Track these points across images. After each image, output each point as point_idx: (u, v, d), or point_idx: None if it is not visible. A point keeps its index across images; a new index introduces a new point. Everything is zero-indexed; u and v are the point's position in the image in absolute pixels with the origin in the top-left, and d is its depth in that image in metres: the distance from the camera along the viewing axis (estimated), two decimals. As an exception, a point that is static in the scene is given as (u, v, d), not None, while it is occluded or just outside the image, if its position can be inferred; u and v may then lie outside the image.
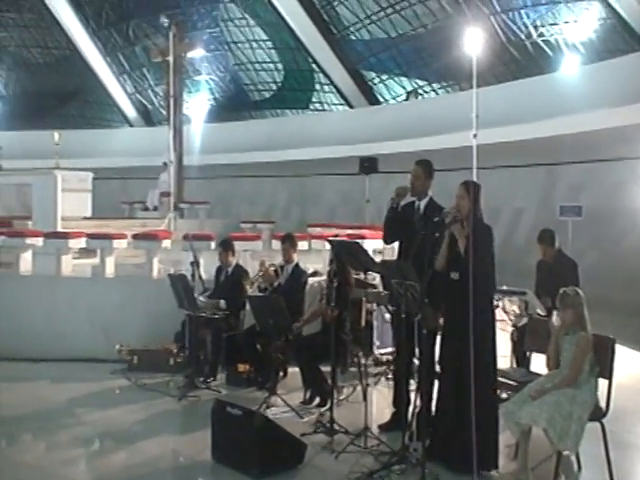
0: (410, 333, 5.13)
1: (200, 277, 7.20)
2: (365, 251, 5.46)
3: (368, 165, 17.62)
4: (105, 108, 25.28)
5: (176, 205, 16.26)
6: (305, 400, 6.73)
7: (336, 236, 7.34)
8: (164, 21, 14.99)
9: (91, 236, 8.98)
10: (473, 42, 11.65)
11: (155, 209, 17.28)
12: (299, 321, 6.97)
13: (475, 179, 12.03)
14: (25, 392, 7.07)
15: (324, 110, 21.74)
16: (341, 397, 6.79)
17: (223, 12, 21.31)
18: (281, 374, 7.42)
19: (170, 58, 15.97)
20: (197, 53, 18.01)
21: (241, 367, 7.34)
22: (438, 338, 5.26)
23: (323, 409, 6.46)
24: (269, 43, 21.19)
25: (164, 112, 15.75)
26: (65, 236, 8.92)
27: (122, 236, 8.93)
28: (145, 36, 22.50)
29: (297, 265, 7.36)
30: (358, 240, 6.93)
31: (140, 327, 8.28)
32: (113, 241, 8.75)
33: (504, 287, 6.86)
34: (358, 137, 18.07)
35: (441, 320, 5.27)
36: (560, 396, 4.71)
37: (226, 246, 7.84)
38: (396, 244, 6.15)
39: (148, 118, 24.48)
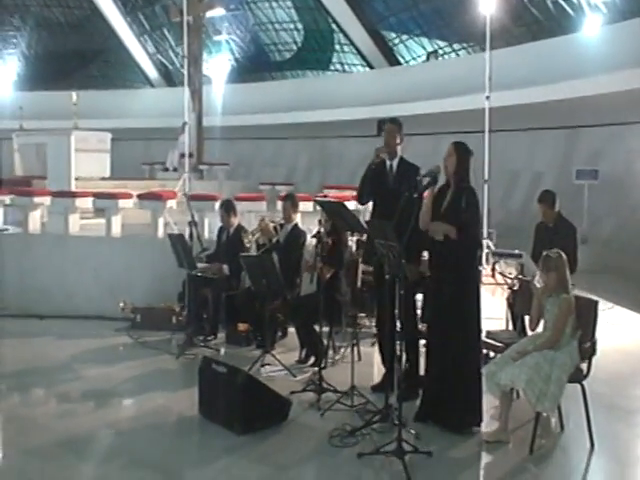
0: (393, 294, 5.15)
1: (198, 237, 7.26)
2: (350, 212, 5.46)
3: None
4: (127, 68, 25.32)
5: (195, 166, 16.38)
6: (301, 359, 6.81)
7: (325, 197, 7.35)
8: (178, -21, 14.83)
9: (97, 196, 9.07)
10: (487, 2, 11.43)
11: (175, 170, 17.32)
12: (296, 281, 7.05)
13: (487, 142, 11.97)
14: (28, 348, 7.27)
15: (344, 71, 21.54)
16: (337, 357, 6.87)
17: (243, -29, 21.13)
18: (280, 334, 7.51)
19: (186, 17, 15.94)
20: (217, 12, 17.86)
21: (241, 326, 7.44)
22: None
23: (317, 368, 6.54)
24: (288, 2, 20.96)
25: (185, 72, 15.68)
26: (72, 195, 9.03)
27: (128, 196, 9.02)
28: (164, -5, 22.40)
29: (296, 225, 7.39)
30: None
31: (145, 286, 8.40)
32: (119, 201, 8.84)
33: (500, 249, 6.83)
34: (378, 98, 17.92)
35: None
36: (540, 358, 4.72)
37: (227, 207, 7.87)
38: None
39: (169, 78, 24.47)
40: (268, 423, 5.06)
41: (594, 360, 6.92)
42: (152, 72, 24.73)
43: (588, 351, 4.96)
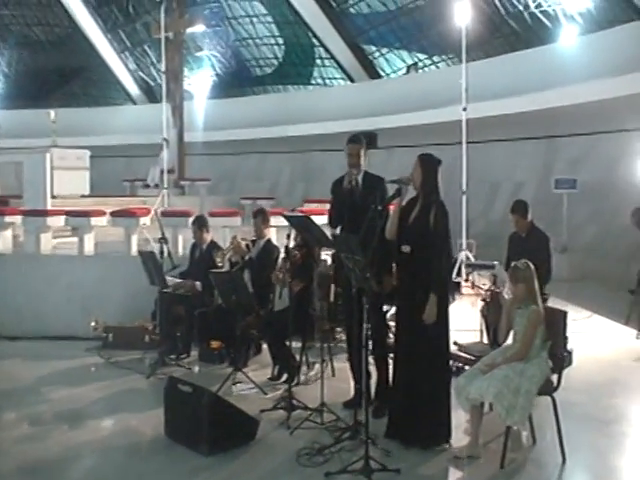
0: (360, 308, 5.06)
1: (169, 254, 7.15)
2: (317, 226, 5.39)
3: (367, 140, 17.46)
4: (109, 86, 25.24)
5: (177, 182, 16.29)
6: (273, 376, 6.70)
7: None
8: (155, -4, 14.80)
9: (70, 214, 8.96)
10: (462, 14, 11.46)
11: (156, 186, 17.19)
12: (269, 296, 6.96)
13: (465, 153, 11.95)
14: (-7, 369, 7.11)
15: (326, 85, 21.55)
16: (310, 373, 6.76)
17: (222, -14, 21.16)
18: (254, 350, 7.40)
19: (167, 34, 15.90)
20: (197, 29, 17.86)
21: (213, 343, 7.32)
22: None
23: (290, 385, 6.43)
24: (269, 17, 20.98)
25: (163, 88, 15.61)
26: (44, 214, 8.91)
27: (101, 213, 8.91)
28: (145, 12, 22.34)
29: (269, 240, 7.31)
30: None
31: (119, 304, 8.28)
32: (91, 219, 8.73)
33: (474, 260, 6.77)
34: (359, 111, 17.93)
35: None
36: (509, 370, 4.64)
37: (200, 223, 7.78)
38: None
39: (151, 95, 24.41)
40: (235, 443, 4.94)
41: (570, 370, 6.93)
42: (134, 89, 24.67)
43: (559, 363, 4.88)
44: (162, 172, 16.02)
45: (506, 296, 4.99)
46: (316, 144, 19.27)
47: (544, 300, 6.87)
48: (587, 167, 14.91)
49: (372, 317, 5.39)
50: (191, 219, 8.09)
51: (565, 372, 6.83)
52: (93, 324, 7.96)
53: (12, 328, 8.36)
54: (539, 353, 4.76)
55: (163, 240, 7.09)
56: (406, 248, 4.97)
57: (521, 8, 16.25)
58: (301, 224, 5.38)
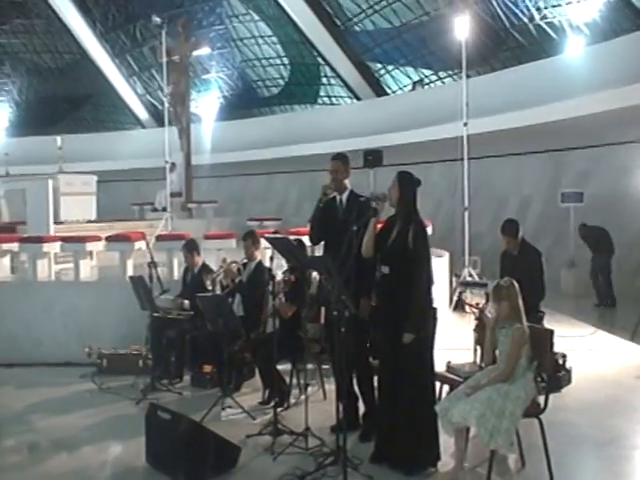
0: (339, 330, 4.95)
1: (158, 278, 7.09)
2: (297, 247, 5.30)
3: (372, 158, 17.40)
4: (118, 110, 25.43)
5: (184, 205, 16.31)
6: (264, 400, 6.59)
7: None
8: (156, 20, 14.88)
9: (65, 240, 8.94)
10: (462, 29, 11.39)
11: (164, 210, 17.23)
12: (261, 319, 6.87)
13: (466, 168, 11.83)
14: (-16, 398, 7.05)
15: (332, 104, 21.56)
16: (302, 397, 6.63)
17: (227, 9, 21.26)
18: (247, 374, 7.28)
19: (173, 57, 16.00)
20: (203, 51, 17.92)
21: (206, 368, 7.23)
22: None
23: (280, 409, 6.32)
24: (274, 38, 21.07)
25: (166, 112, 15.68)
26: (39, 240, 8.89)
27: (97, 239, 8.89)
28: (152, 36, 22.48)
29: (260, 262, 7.21)
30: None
31: (114, 330, 8.21)
32: (86, 244, 8.70)
33: (467, 279, 6.65)
34: (364, 130, 17.88)
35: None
36: (493, 392, 4.50)
37: (190, 247, 7.73)
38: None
39: (159, 119, 24.51)
40: (215, 471, 4.83)
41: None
42: (142, 113, 24.84)
43: (546, 384, 4.73)
44: (172, 195, 16.17)
45: (489, 315, 4.84)
46: (322, 163, 19.13)
47: (540, 318, 6.80)
48: (595, 180, 14.74)
49: (352, 340, 5.30)
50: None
51: (564, 391, 6.80)
52: (87, 350, 7.90)
53: (8, 355, 8.30)
54: (524, 374, 4.62)
55: (153, 264, 7.03)
56: (385, 269, 4.86)
57: (526, 20, 16.15)
58: (283, 247, 5.29)
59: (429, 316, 4.85)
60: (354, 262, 5.03)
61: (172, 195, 16.31)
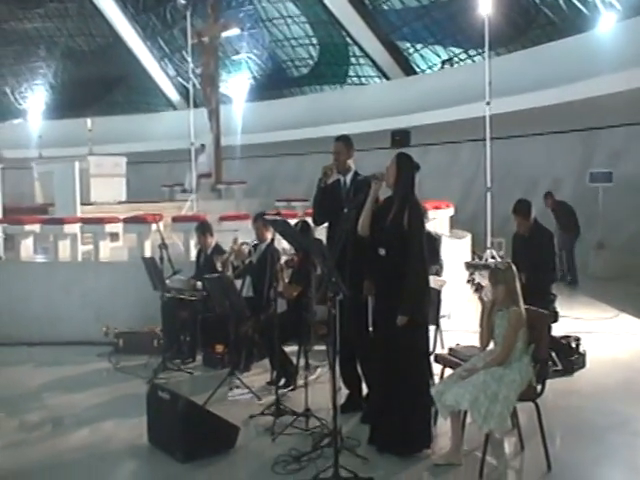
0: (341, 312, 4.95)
1: (169, 259, 7.15)
2: (293, 228, 5.29)
3: (400, 138, 17.32)
4: (150, 92, 25.64)
5: (214, 185, 16.42)
6: (272, 380, 6.63)
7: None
8: (181, 2, 14.94)
9: (85, 221, 9.08)
10: (485, 4, 11.17)
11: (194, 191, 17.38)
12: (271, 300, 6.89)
13: (489, 148, 11.65)
14: (2, 376, 7.22)
15: (362, 84, 21.40)
16: (310, 377, 6.65)
17: (255, -12, 21.26)
18: (257, 354, 7.33)
19: (203, 39, 16.03)
20: (232, 32, 17.90)
21: (218, 348, 7.30)
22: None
23: (286, 390, 6.37)
24: (303, 18, 20.95)
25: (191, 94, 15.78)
26: (60, 222, 9.04)
27: (115, 220, 9.00)
28: (182, 18, 22.50)
29: (271, 243, 7.22)
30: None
31: (131, 310, 8.32)
32: (105, 225, 8.82)
33: (475, 261, 6.57)
34: (392, 110, 17.75)
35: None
36: (487, 376, 4.46)
37: (203, 229, 7.79)
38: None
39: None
40: (213, 450, 4.89)
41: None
42: (173, 94, 25.00)
43: (542, 368, 4.66)
44: (202, 176, 16.32)
45: (485, 298, 4.79)
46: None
47: (551, 301, 6.70)
48: (627, 160, 14.40)
49: (353, 321, 5.30)
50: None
51: (576, 375, 6.71)
52: (104, 329, 8.03)
53: (30, 334, 8.50)
54: (521, 357, 4.56)
55: (163, 246, 7.09)
56: (381, 251, 4.83)
57: (557, -5, 15.80)
58: (281, 228, 5.30)
59: (425, 298, 4.81)
60: (354, 243, 5.04)
61: (201, 176, 16.47)
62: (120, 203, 14.23)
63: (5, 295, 8.92)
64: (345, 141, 5.78)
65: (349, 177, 5.75)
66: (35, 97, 25.34)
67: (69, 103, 24.53)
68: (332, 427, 4.75)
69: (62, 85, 26.01)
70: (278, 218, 5.53)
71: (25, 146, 20.44)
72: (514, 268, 4.69)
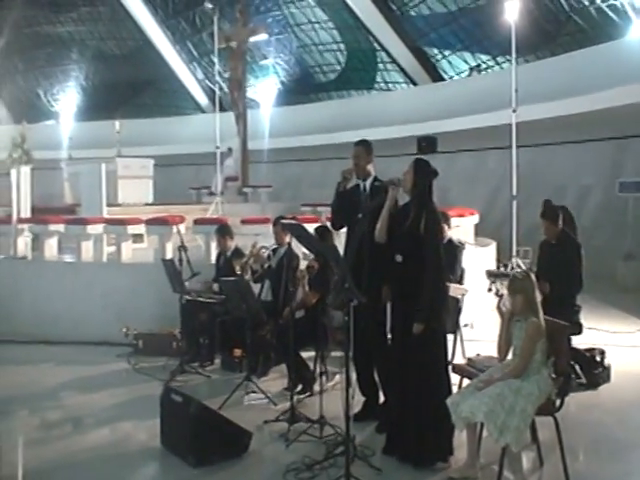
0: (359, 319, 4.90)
1: (188, 261, 7.15)
2: (310, 233, 5.24)
3: (426, 145, 17.19)
4: (179, 96, 25.81)
5: (240, 189, 16.47)
6: (289, 386, 6.58)
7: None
8: (208, 6, 15.01)
9: (108, 222, 9.13)
10: (511, 10, 11.03)
11: (221, 193, 17.46)
12: (290, 305, 6.84)
13: (514, 156, 11.49)
14: (25, 374, 7.25)
15: (389, 89, 21.33)
16: (329, 383, 6.59)
17: (283, -6, 21.32)
18: (274, 359, 7.29)
19: (230, 43, 16.10)
20: (260, 37, 17.95)
21: (236, 352, 7.27)
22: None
23: (302, 396, 6.32)
24: (330, 23, 20.95)
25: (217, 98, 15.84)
26: (84, 222, 9.10)
27: (138, 221, 9.03)
28: (211, 23, 22.64)
29: (289, 248, 7.18)
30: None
31: (152, 311, 8.33)
32: (127, 227, 8.86)
33: (496, 269, 6.46)
34: (418, 116, 17.64)
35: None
36: (504, 387, 4.35)
37: (223, 232, 7.80)
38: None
39: (219, 104, 24.77)
40: (225, 455, 4.85)
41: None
42: (202, 98, 25.15)
43: (563, 382, 4.54)
44: (229, 179, 16.38)
45: (503, 308, 4.69)
46: (377, 149, 19.03)
47: (575, 312, 6.55)
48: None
49: (370, 329, 5.24)
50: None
51: (601, 389, 6.56)
52: (124, 330, 8.06)
53: (51, 333, 8.56)
54: (539, 370, 4.45)
55: (182, 248, 7.09)
56: (398, 257, 4.77)
57: (587, 3, 15.56)
58: (297, 232, 5.26)
59: (441, 306, 4.73)
60: (371, 250, 4.99)
61: (228, 179, 16.53)
62: (147, 205, 14.30)
63: (29, 294, 9.03)
64: (365, 145, 5.73)
65: (369, 182, 5.69)
66: (66, 99, 25.65)
67: (99, 105, 24.78)
68: (347, 434, 4.71)
69: (93, 87, 26.30)
70: (294, 222, 5.49)
71: (56, 147, 20.68)
72: (533, 277, 4.58)
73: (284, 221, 5.93)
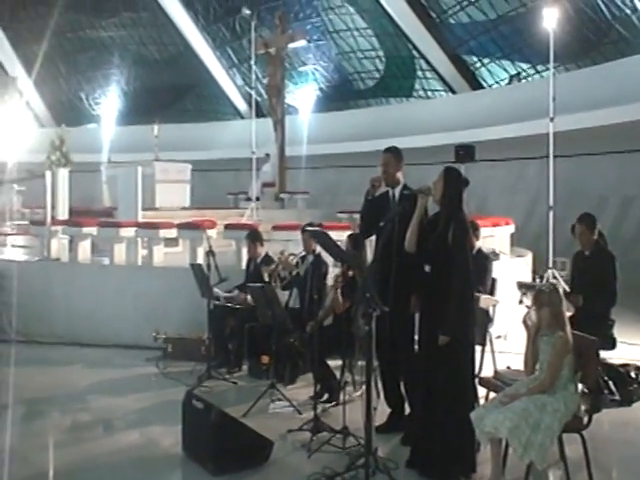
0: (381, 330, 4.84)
1: (216, 266, 7.14)
2: (334, 241, 5.19)
3: (464, 153, 16.97)
4: (219, 101, 25.98)
5: (277, 195, 16.50)
6: (315, 395, 6.52)
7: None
8: (246, 12, 15.09)
9: (140, 225, 9.20)
10: (550, 20, 10.88)
11: (257, 199, 17.51)
12: (315, 313, 6.80)
13: (552, 166, 11.29)
14: (54, 375, 7.35)
15: (428, 97, 21.20)
16: (355, 394, 6.53)
17: (323, 1, 21.26)
18: (302, 366, 7.24)
19: (269, 50, 16.16)
20: (299, 43, 17.97)
21: (264, 358, 7.23)
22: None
23: (328, 405, 6.27)
24: (369, 31, 20.90)
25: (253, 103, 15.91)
26: (116, 225, 9.19)
27: (170, 225, 9.08)
28: (251, 29, 22.84)
29: (318, 255, 7.15)
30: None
31: (182, 315, 8.37)
32: (159, 231, 8.91)
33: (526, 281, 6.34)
34: (456, 124, 17.48)
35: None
36: (530, 403, 4.24)
37: (253, 238, 7.79)
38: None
39: (257, 110, 24.90)
40: (245, 464, 4.81)
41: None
42: (241, 104, 25.29)
43: (593, 398, 4.41)
44: (266, 185, 16.42)
45: (529, 322, 4.58)
46: (415, 157, 18.89)
47: (609, 326, 6.38)
48: None
49: (397, 339, 5.18)
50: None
51: (635, 406, 6.35)
52: (154, 334, 8.10)
53: (83, 334, 8.67)
54: (566, 385, 4.33)
55: (211, 253, 7.10)
56: (427, 267, 4.70)
57: (629, 12, 15.26)
58: (322, 240, 5.22)
59: (468, 318, 4.64)
60: (400, 259, 4.92)
61: (265, 185, 16.56)
62: (183, 209, 14.39)
63: (62, 295, 9.14)
64: (394, 153, 5.66)
65: (398, 190, 5.62)
66: (108, 103, 26.01)
67: (140, 110, 25.06)
68: (367, 446, 4.65)
69: (134, 92, 26.63)
70: (318, 229, 5.46)
71: (96, 150, 20.98)
72: (560, 291, 4.47)
73: (309, 228, 5.89)
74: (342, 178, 22.09)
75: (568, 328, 4.39)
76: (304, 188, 16.93)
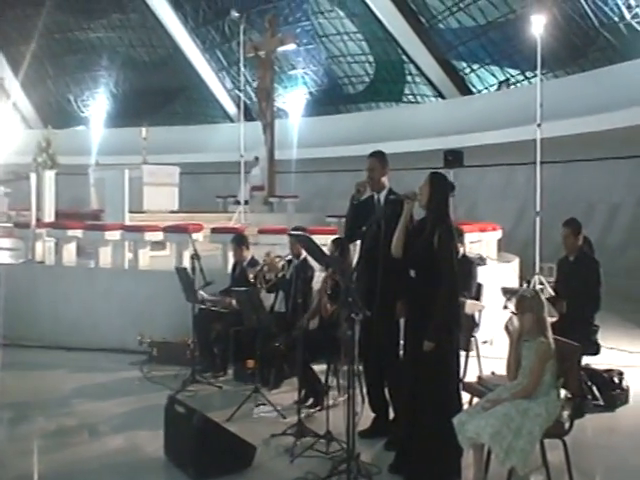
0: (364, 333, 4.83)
1: (201, 270, 7.11)
2: (317, 245, 5.18)
3: (452, 159, 17.01)
4: (208, 104, 25.97)
5: (266, 199, 16.46)
6: (300, 399, 6.50)
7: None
8: (234, 15, 15.08)
9: (126, 228, 9.15)
10: (537, 27, 10.94)
11: (246, 203, 17.47)
12: (299, 317, 6.79)
13: (538, 173, 11.33)
14: (39, 380, 7.29)
15: (417, 102, 21.25)
16: (340, 398, 6.51)
17: (313, 5, 21.31)
18: (287, 371, 7.21)
19: (259, 53, 16.14)
20: (289, 47, 17.95)
21: (249, 363, 7.20)
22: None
23: (313, 410, 6.25)
24: (359, 35, 20.96)
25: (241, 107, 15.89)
26: (102, 228, 9.14)
27: (155, 229, 9.04)
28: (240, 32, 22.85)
29: (305, 259, 7.13)
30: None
31: (167, 319, 8.31)
32: (145, 234, 8.87)
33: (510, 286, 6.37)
34: (446, 129, 17.52)
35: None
36: (511, 408, 4.24)
37: (239, 242, 7.77)
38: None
39: (247, 113, 24.88)
40: (227, 469, 4.79)
41: (623, 410, 6.38)
42: (231, 107, 25.28)
43: (575, 404, 4.42)
44: (255, 188, 16.38)
45: (510, 327, 4.58)
46: (405, 162, 18.92)
47: (593, 332, 6.41)
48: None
49: (382, 344, 5.18)
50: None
51: (618, 411, 6.39)
52: (139, 338, 8.05)
53: (69, 338, 8.60)
54: (548, 391, 4.33)
55: (195, 257, 7.07)
56: (412, 272, 4.69)
57: (616, 19, 15.36)
58: (305, 244, 5.21)
59: (453, 324, 4.64)
60: (386, 264, 4.92)
61: (254, 188, 16.51)
62: (171, 212, 14.33)
63: (47, 298, 9.07)
64: (379, 157, 5.66)
65: (383, 195, 5.62)
66: (96, 105, 25.94)
67: (129, 112, 25.01)
68: (348, 451, 4.63)
69: (122, 94, 26.57)
70: (301, 233, 5.45)
71: (85, 153, 20.92)
72: (544, 297, 4.47)
73: (292, 232, 5.88)
74: (333, 182, 22.09)
75: (550, 333, 4.39)
76: (295, 192, 16.90)
